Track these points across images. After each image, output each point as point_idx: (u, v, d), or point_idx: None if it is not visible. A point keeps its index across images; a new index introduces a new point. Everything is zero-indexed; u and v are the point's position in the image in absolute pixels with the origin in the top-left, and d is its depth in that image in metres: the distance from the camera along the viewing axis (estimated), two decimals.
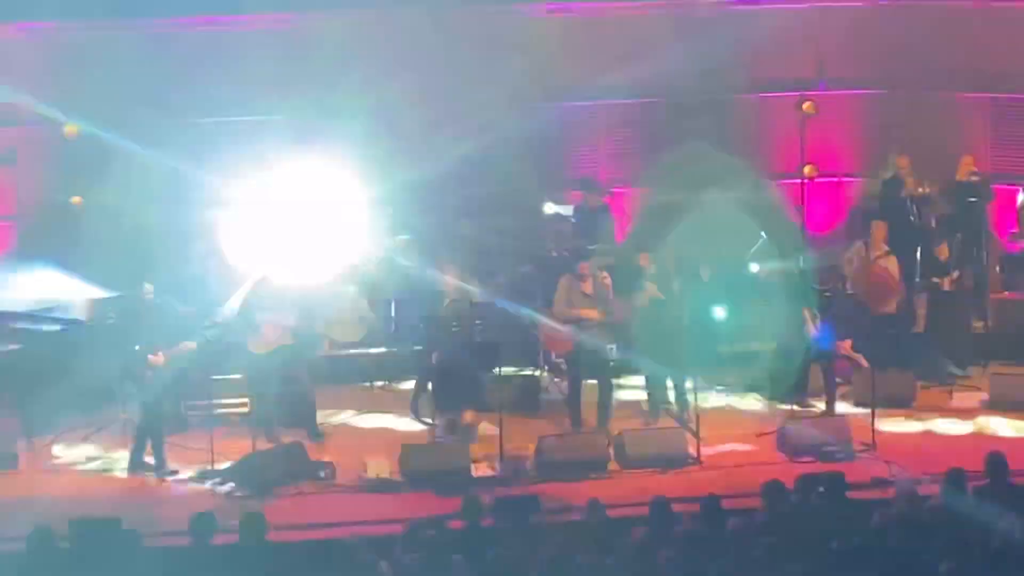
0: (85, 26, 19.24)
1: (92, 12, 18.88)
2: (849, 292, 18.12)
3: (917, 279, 19.26)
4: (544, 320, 17.02)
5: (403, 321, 19.01)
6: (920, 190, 19.56)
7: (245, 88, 19.21)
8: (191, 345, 16.10)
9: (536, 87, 20.05)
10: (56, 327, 17.56)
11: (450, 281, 16.87)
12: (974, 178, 19.30)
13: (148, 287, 16.06)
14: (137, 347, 15.81)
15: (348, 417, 17.66)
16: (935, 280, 18.24)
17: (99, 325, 17.40)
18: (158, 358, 15.82)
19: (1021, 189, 19.84)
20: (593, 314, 16.56)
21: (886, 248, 18.29)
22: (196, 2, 19.44)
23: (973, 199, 19.21)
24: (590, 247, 17.99)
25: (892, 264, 18.22)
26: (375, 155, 18.77)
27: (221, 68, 19.29)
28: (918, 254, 19.36)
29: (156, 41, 19.57)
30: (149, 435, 15.90)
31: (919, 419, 17.07)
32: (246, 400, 17.10)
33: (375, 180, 18.59)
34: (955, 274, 18.23)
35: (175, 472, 15.80)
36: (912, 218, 19.47)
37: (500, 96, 19.18)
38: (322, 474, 15.56)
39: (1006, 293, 19.79)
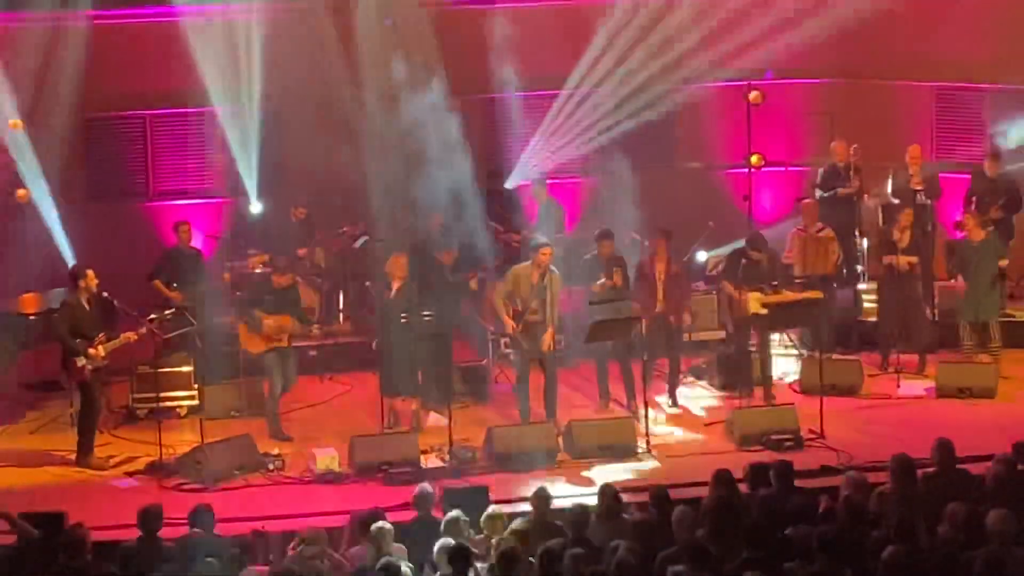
0: None
1: None
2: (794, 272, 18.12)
3: (859, 267, 19.47)
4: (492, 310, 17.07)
5: (353, 312, 18.99)
6: (853, 162, 19.57)
7: None
8: (132, 336, 15.97)
9: (477, 79, 20.00)
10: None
11: (400, 272, 16.75)
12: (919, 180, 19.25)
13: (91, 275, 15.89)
14: (78, 340, 15.68)
15: (298, 409, 17.59)
16: (889, 260, 18.08)
17: (42, 319, 17.27)
18: (98, 351, 15.71)
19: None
20: (510, 326, 16.58)
21: (819, 224, 18.33)
22: None
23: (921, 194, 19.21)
24: (544, 237, 17.82)
25: (830, 233, 18.28)
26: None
27: None
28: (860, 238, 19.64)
29: None
30: (93, 428, 15.81)
31: (867, 406, 17.18)
32: (194, 393, 17.05)
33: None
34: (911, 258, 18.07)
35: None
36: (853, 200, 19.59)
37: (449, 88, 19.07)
38: (271, 466, 15.52)
39: (951, 281, 19.88)
